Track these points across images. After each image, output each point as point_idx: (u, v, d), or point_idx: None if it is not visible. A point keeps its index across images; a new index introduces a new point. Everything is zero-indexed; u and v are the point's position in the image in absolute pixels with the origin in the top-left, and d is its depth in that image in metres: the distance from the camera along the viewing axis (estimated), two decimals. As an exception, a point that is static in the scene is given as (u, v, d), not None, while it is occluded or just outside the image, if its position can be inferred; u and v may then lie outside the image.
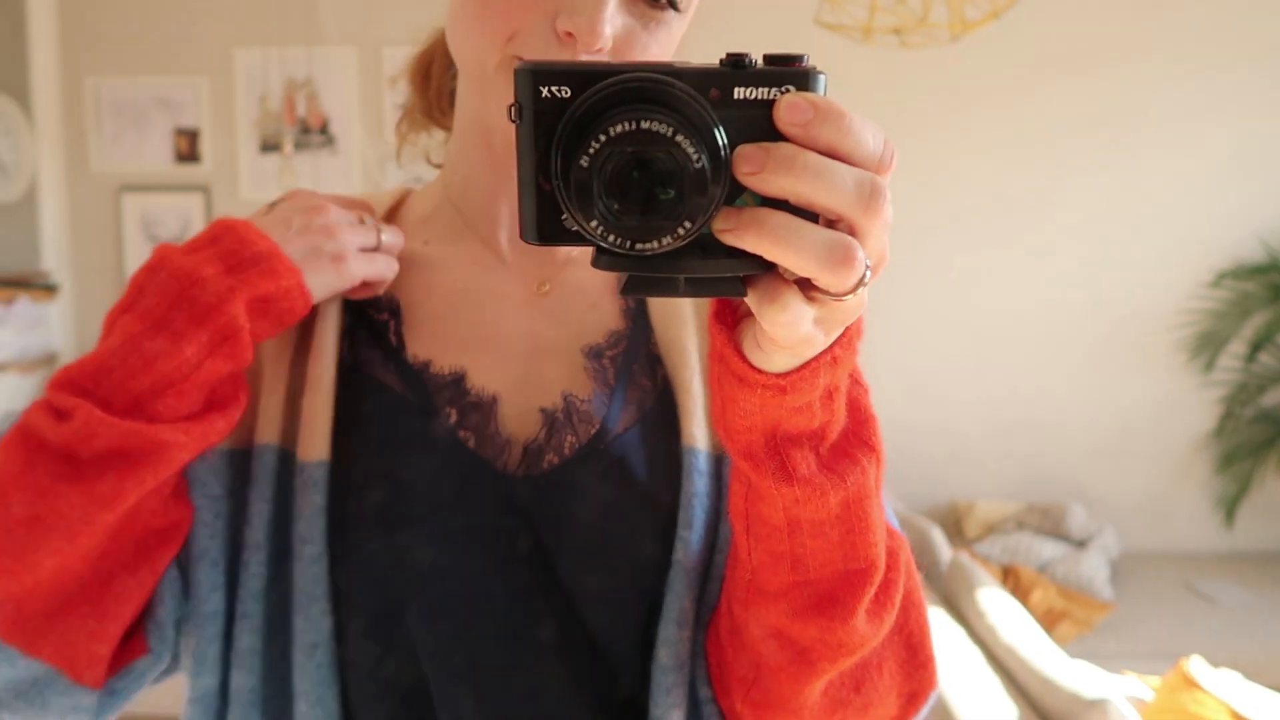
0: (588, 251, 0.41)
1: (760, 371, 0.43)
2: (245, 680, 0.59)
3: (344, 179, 3.59)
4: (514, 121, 0.39)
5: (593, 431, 0.62)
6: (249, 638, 0.59)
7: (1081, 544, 3.30)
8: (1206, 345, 3.53)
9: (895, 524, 0.61)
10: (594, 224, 0.37)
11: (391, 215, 0.71)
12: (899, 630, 0.57)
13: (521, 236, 0.40)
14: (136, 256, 3.63)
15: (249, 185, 3.60)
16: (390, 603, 0.59)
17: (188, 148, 3.62)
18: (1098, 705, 1.59)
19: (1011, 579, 3.07)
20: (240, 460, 0.62)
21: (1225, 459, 3.55)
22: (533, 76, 0.38)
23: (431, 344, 0.64)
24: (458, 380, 0.63)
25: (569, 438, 0.62)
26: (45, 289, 3.43)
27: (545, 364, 0.64)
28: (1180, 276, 3.55)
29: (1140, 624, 2.95)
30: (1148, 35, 3.46)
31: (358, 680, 0.59)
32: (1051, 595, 2.98)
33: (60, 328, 3.61)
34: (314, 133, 3.59)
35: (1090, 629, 2.91)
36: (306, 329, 0.64)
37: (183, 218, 3.64)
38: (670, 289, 0.39)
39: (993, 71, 3.47)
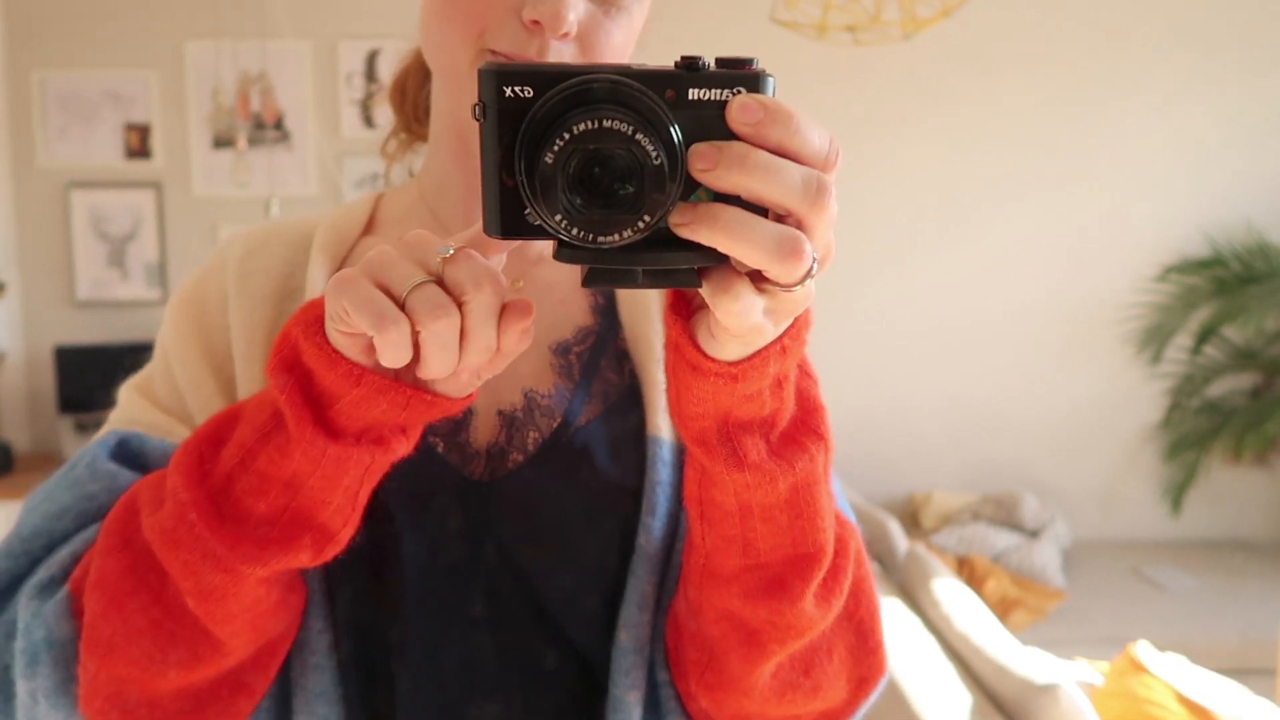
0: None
1: (713, 360, 0.45)
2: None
3: (300, 175, 3.55)
4: (478, 120, 0.40)
5: (554, 425, 0.63)
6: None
7: (1034, 534, 3.37)
8: (1153, 338, 3.62)
9: (849, 514, 0.63)
10: (558, 217, 0.39)
11: (370, 222, 0.71)
12: (849, 616, 0.59)
13: (485, 230, 0.42)
14: (85, 254, 3.57)
15: (202, 182, 3.55)
16: (365, 604, 0.61)
17: (138, 143, 3.55)
18: (1048, 690, 1.63)
19: (966, 569, 3.13)
20: None
21: (1172, 449, 3.64)
22: (496, 77, 0.39)
23: None
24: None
25: (532, 434, 0.64)
26: (-9, 287, 3.35)
27: (514, 362, 0.65)
28: (1128, 272, 3.64)
29: (1091, 611, 3.02)
30: (1094, 35, 3.53)
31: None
32: (1005, 584, 3.04)
33: (7, 327, 3.53)
34: (269, 128, 3.54)
35: (1043, 616, 2.98)
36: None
37: (134, 215, 3.57)
38: (629, 280, 0.41)
39: (945, 69, 3.52)
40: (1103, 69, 3.54)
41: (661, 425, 0.63)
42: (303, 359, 0.48)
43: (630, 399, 0.65)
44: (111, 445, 0.63)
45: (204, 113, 3.52)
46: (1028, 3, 3.51)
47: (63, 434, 3.33)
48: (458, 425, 0.63)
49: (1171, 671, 2.08)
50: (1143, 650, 2.14)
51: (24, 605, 0.57)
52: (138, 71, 3.52)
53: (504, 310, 0.45)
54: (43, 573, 0.58)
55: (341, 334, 0.46)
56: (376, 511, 0.60)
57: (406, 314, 0.44)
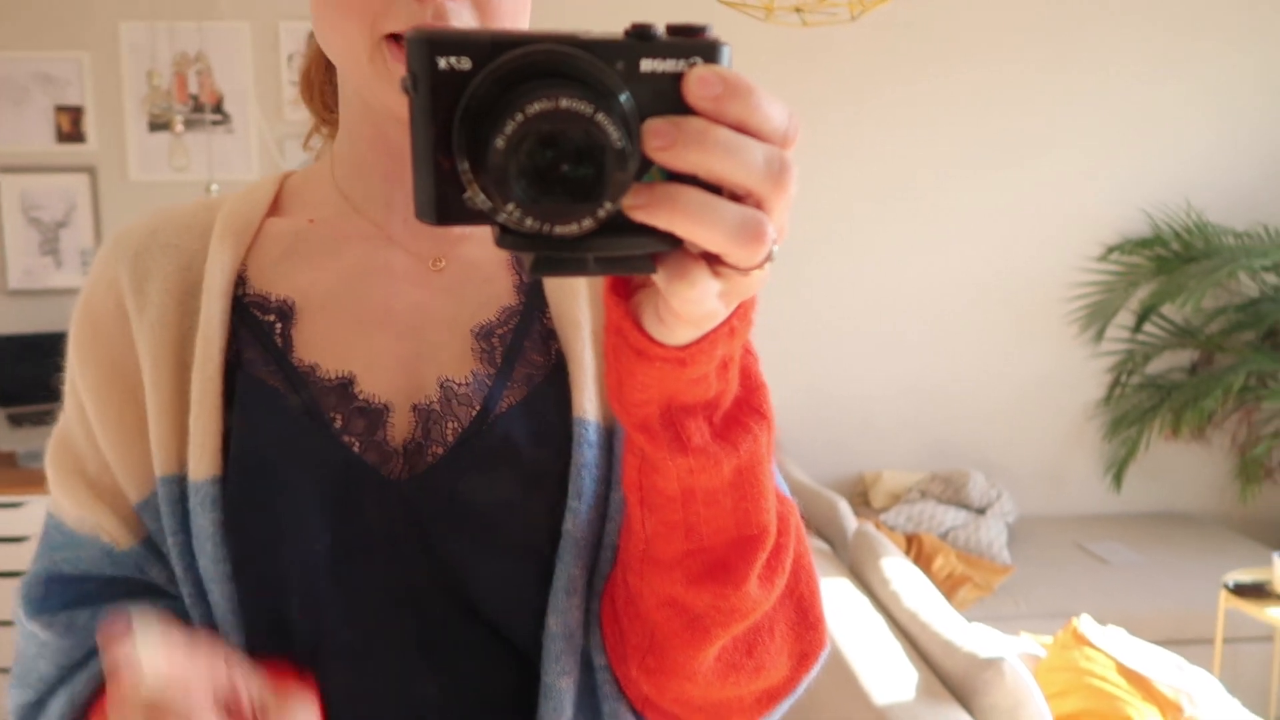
0: (484, 227, 0.39)
1: (660, 345, 0.43)
2: None
3: (242, 159, 3.47)
4: (407, 93, 0.36)
5: (473, 414, 0.61)
6: None
7: (981, 511, 3.42)
8: (1096, 317, 3.69)
9: (785, 490, 0.63)
10: (510, 207, 0.35)
11: (275, 203, 0.68)
12: (789, 593, 0.58)
13: (417, 215, 0.38)
14: (16, 240, 3.46)
15: (137, 166, 3.45)
16: (281, 616, 0.60)
17: (70, 126, 3.44)
18: (993, 664, 1.66)
19: (915, 546, 3.17)
20: (152, 505, 0.62)
21: (1114, 425, 3.72)
22: (429, 46, 0.35)
23: (320, 341, 0.63)
24: (345, 385, 0.62)
25: (450, 425, 0.61)
26: (-83, 276, 3.23)
27: (433, 347, 0.64)
28: (1072, 252, 3.70)
29: (1036, 586, 3.08)
30: (1038, 17, 3.57)
31: None
32: (953, 561, 3.09)
33: (-65, 317, 3.41)
34: (207, 111, 3.45)
35: (990, 592, 3.03)
36: (187, 335, 0.62)
37: (67, 199, 3.47)
38: (580, 268, 0.38)
39: (891, 51, 3.54)
40: (1045, 51, 3.59)
41: (587, 407, 0.61)
42: None
43: (555, 380, 0.63)
44: (39, 599, 0.64)
45: (139, 95, 3.42)
46: (972, -15, 3.54)
47: (-3, 427, 3.24)
48: (373, 424, 0.61)
49: (1112, 643, 2.13)
50: (1085, 623, 2.19)
51: None
52: (70, 53, 3.41)
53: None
54: None
55: None
56: (295, 526, 0.59)
57: None
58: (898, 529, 3.30)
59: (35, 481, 3.04)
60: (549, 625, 0.60)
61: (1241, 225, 3.65)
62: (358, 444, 0.60)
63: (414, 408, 0.62)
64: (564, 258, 0.37)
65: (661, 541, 0.52)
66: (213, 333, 0.61)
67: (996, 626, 2.73)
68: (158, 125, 3.44)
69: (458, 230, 0.66)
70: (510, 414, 0.62)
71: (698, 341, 0.43)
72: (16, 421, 3.26)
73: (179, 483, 0.60)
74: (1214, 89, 3.64)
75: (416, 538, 0.60)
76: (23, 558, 3.01)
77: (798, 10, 1.77)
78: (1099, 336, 3.71)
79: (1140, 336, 3.73)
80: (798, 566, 0.58)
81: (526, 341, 0.64)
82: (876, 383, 3.72)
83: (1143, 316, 3.69)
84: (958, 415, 3.75)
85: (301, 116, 3.43)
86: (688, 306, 0.40)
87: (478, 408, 0.62)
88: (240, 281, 0.64)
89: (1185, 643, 2.85)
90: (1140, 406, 3.68)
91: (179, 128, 3.27)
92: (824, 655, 0.61)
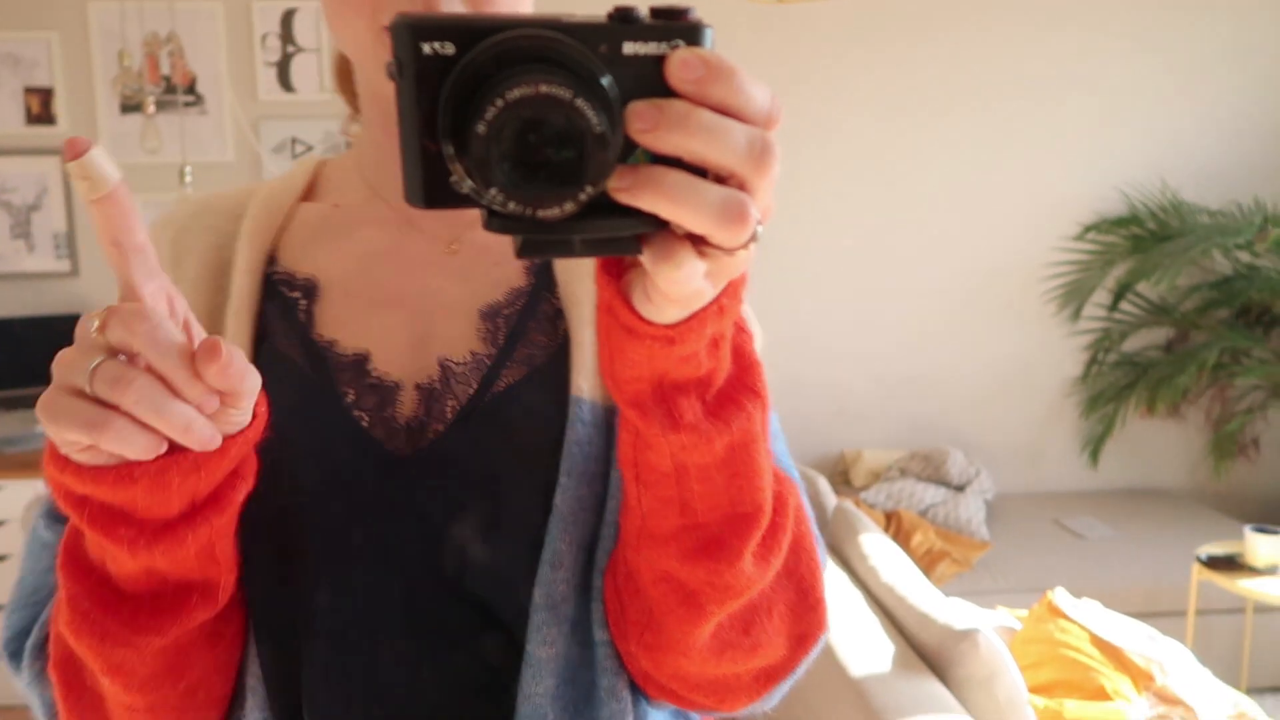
0: None
1: (649, 323, 0.44)
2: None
3: (216, 141, 3.43)
4: (393, 79, 0.37)
5: (471, 392, 0.63)
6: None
7: (960, 488, 3.45)
8: (1073, 296, 3.72)
9: (791, 470, 0.63)
10: (493, 191, 0.36)
11: (310, 188, 0.73)
12: (789, 574, 0.59)
13: (405, 199, 0.39)
14: (-12, 225, 3.41)
15: (109, 148, 3.41)
16: (283, 584, 0.62)
17: (40, 108, 3.40)
18: (967, 636, 1.67)
19: (894, 523, 3.19)
20: None
21: (1090, 403, 3.76)
22: (412, 31, 0.36)
23: (340, 318, 0.66)
24: (360, 362, 0.65)
25: (450, 403, 0.63)
26: (-115, 261, 3.19)
27: (441, 327, 0.66)
28: (1048, 231, 3.72)
29: (1014, 561, 3.11)
30: (1016, -4, 3.57)
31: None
32: (931, 537, 3.11)
33: (-95, 303, 3.37)
34: (180, 92, 3.41)
35: (968, 568, 3.06)
36: (220, 298, 0.66)
37: (38, 183, 3.43)
38: (565, 250, 0.39)
39: (867, 28, 3.54)
40: (1019, 29, 3.60)
41: (583, 386, 0.63)
42: (76, 491, 0.47)
43: (558, 360, 0.65)
44: (47, 511, 0.65)
45: (110, 76, 3.37)
46: (950, -36, 3.54)
47: (-30, 413, 3.21)
48: (384, 401, 0.63)
49: (1086, 615, 2.15)
50: (1059, 596, 2.22)
51: (27, 666, 0.63)
52: (38, 33, 3.36)
53: (201, 352, 0.44)
54: (36, 633, 0.63)
55: (88, 455, 0.45)
56: (302, 491, 0.61)
57: (106, 404, 0.43)
58: (877, 506, 3.33)
59: (11, 466, 3.01)
60: (534, 596, 0.61)
61: (1216, 204, 3.68)
62: (367, 419, 0.63)
63: (417, 386, 0.64)
64: (550, 240, 0.38)
65: (657, 518, 0.53)
66: (243, 305, 0.65)
67: (974, 601, 2.76)
68: (129, 107, 3.40)
69: (471, 213, 0.67)
70: (507, 393, 0.63)
71: (686, 320, 0.43)
72: (-10, 407, 3.23)
73: None
74: (1188, 68, 3.66)
75: (414, 512, 0.62)
76: (5, 542, 2.98)
77: (773, -14, 1.76)
78: (1076, 315, 3.74)
79: (1116, 315, 3.76)
80: (798, 547, 0.58)
81: (531, 322, 0.66)
82: (857, 361, 3.73)
83: (1119, 295, 3.72)
84: (938, 394, 3.77)
85: (276, 96, 3.41)
86: (674, 286, 0.40)
87: (475, 386, 0.64)
88: (271, 261, 0.68)
89: (1159, 615, 2.89)
90: (1116, 384, 3.72)
91: (150, 109, 3.22)
92: (824, 638, 0.61)
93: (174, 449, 0.46)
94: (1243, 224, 3.52)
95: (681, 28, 0.37)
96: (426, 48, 0.36)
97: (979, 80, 3.61)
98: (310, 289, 0.67)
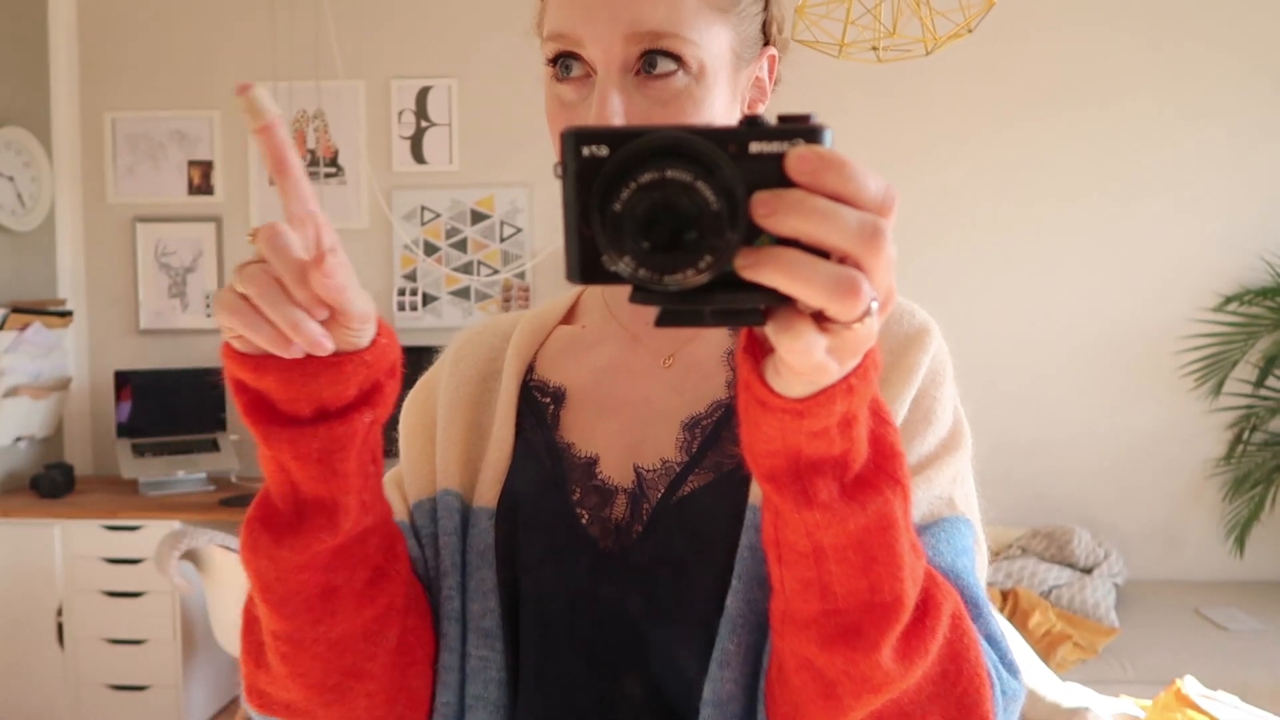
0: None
1: (779, 395, 0.47)
2: (442, 695, 0.71)
3: (354, 209, 3.66)
4: (558, 178, 0.44)
5: (659, 496, 0.71)
6: (446, 655, 0.71)
7: (1087, 570, 3.26)
8: (1214, 369, 3.50)
9: (967, 577, 0.64)
10: (626, 259, 0.42)
11: (571, 312, 0.84)
12: (945, 685, 0.57)
13: (567, 277, 0.45)
14: (150, 284, 3.72)
15: (259, 216, 3.68)
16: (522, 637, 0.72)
17: (200, 179, 3.71)
18: (1077, 713, 1.57)
19: (1011, 602, 3.03)
20: (428, 506, 0.77)
21: (1235, 485, 3.50)
22: (575, 138, 0.43)
23: (577, 424, 0.77)
24: (589, 464, 0.74)
25: (645, 507, 0.71)
26: (59, 315, 3.51)
27: (651, 434, 0.74)
28: (1184, 299, 3.54)
29: (1145, 649, 2.90)
30: (1141, 51, 3.48)
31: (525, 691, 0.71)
32: (1051, 618, 2.94)
33: (74, 353, 3.69)
34: (323, 164, 3.67)
35: (1094, 654, 2.87)
36: (486, 396, 0.79)
37: (195, 247, 3.72)
38: (697, 320, 0.44)
39: (980, 87, 3.51)
40: (1153, 88, 3.48)
41: (759, 494, 0.67)
42: (233, 375, 0.55)
43: (744, 469, 0.68)
44: None
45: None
46: (1058, 18, 3.48)
47: (121, 457, 3.45)
48: (603, 501, 0.72)
49: (1219, 708, 1.98)
50: (1189, 684, 2.05)
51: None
52: (202, 112, 3.69)
53: (310, 264, 0.50)
54: None
55: (240, 342, 0.53)
56: (519, 562, 0.72)
57: (244, 298, 0.51)
58: (995, 585, 3.17)
59: (152, 507, 3.22)
60: (705, 693, 0.65)
61: (1373, 274, 3.43)
62: (586, 515, 0.72)
63: (622, 490, 0.73)
64: (684, 310, 0.44)
65: (799, 600, 0.54)
66: (507, 405, 0.77)
67: (1098, 689, 2.57)
68: (277, 177, 3.67)
69: (687, 331, 0.77)
70: (689, 497, 0.70)
71: (815, 395, 0.46)
72: (139, 451, 3.47)
73: (459, 498, 0.76)
74: (1339, 131, 3.46)
75: (610, 604, 0.70)
76: (140, 578, 3.18)
77: (873, 49, 1.79)
78: (1217, 390, 3.52)
79: (1263, 391, 3.52)
80: (957, 658, 0.57)
81: (724, 433, 0.72)
82: (977, 435, 3.59)
83: (1265, 370, 3.49)
84: (1061, 469, 3.59)
85: (408, 168, 3.61)
86: (796, 357, 0.44)
87: (662, 491, 0.71)
88: (530, 370, 0.80)
89: (1313, 718, 2.63)
90: (1265, 465, 3.46)
91: (295, 178, 3.48)
92: None
93: (309, 358, 0.53)
94: (1405, 295, 3.26)
95: (802, 129, 0.43)
96: (585, 150, 0.43)
97: (1111, 141, 3.50)
98: (559, 396, 0.78)
